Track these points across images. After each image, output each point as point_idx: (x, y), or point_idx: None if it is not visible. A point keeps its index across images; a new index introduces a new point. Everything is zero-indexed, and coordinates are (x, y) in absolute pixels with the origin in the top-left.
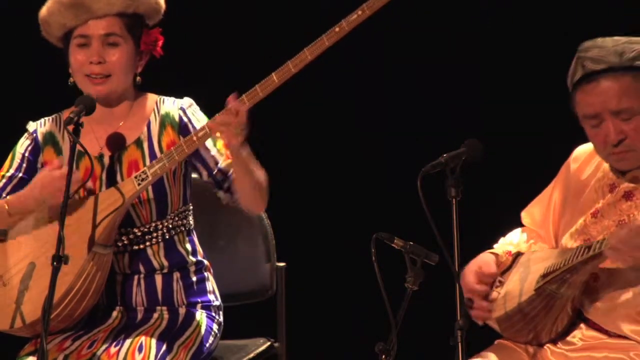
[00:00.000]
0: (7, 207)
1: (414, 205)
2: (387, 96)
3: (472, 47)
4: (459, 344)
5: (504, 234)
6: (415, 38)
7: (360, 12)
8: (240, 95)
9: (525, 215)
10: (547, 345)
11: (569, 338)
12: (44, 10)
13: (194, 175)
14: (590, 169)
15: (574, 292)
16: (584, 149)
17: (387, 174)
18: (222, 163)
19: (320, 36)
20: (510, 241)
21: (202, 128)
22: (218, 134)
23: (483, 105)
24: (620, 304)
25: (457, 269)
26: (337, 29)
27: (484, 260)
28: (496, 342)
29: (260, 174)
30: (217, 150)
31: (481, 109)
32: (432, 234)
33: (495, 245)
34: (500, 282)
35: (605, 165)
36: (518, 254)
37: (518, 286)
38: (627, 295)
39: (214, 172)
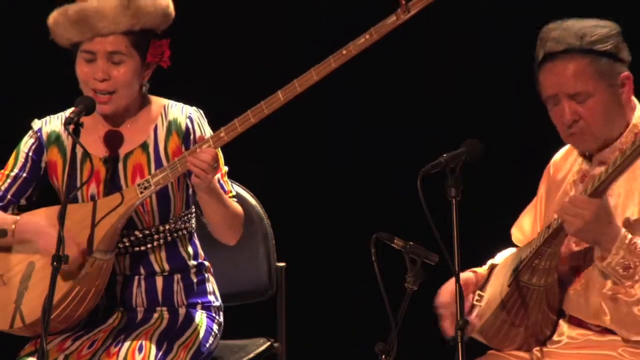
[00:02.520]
0: (13, 227)
1: (414, 205)
2: (387, 96)
3: (472, 47)
4: (459, 344)
5: (503, 234)
6: (415, 38)
7: (367, 36)
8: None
9: (515, 231)
10: (535, 349)
11: (555, 337)
12: (51, 19)
13: None
14: (566, 168)
15: (546, 280)
16: (560, 152)
17: (387, 174)
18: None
19: (327, 57)
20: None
21: (203, 144)
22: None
23: (483, 105)
24: (593, 291)
25: (457, 269)
26: (344, 52)
27: (461, 277)
28: (488, 352)
29: (233, 209)
30: None
31: (481, 109)
32: (432, 234)
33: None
34: (480, 295)
35: (579, 159)
36: (493, 267)
37: (496, 291)
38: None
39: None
